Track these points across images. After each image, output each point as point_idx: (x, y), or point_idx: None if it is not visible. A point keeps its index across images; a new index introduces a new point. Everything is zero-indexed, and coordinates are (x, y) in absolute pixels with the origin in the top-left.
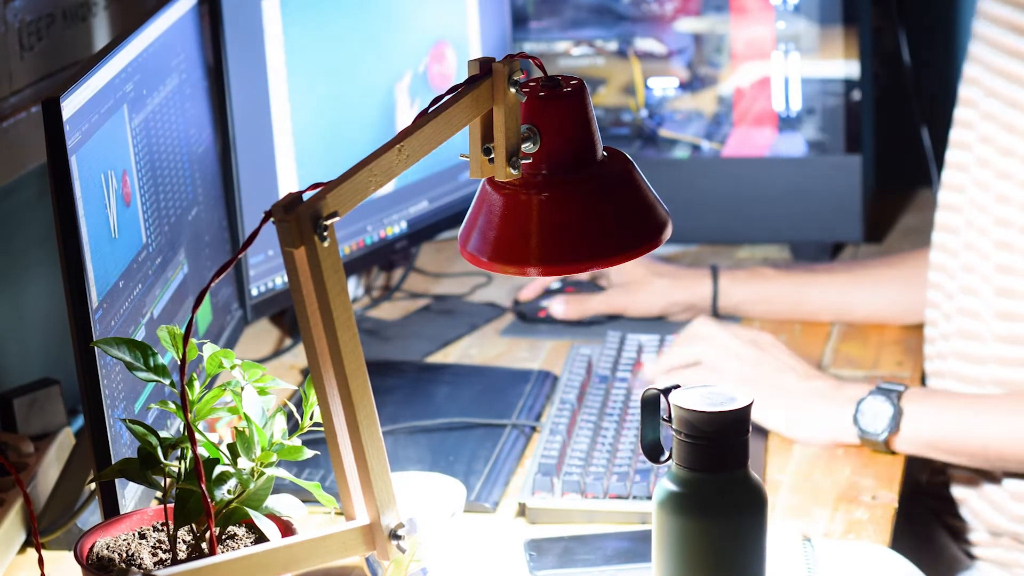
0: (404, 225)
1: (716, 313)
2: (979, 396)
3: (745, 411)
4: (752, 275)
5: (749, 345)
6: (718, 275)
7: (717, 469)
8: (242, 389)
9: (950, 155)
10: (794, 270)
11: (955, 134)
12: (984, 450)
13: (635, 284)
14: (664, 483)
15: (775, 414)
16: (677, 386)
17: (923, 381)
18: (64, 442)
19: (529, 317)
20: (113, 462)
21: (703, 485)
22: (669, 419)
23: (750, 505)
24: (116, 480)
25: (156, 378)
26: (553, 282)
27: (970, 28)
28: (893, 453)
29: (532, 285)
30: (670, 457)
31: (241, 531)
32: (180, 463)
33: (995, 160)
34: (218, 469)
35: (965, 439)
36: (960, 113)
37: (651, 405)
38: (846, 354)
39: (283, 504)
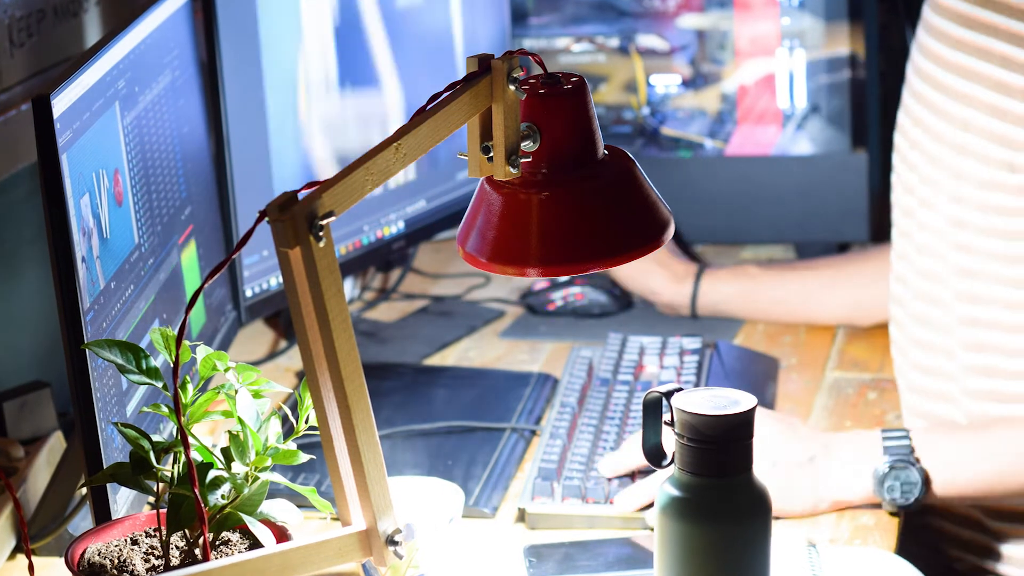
0: (401, 225)
1: (695, 314)
2: (983, 429)
3: (749, 414)
4: (734, 275)
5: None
6: (702, 276)
7: (721, 474)
8: (236, 392)
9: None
10: (776, 268)
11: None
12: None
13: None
14: (667, 488)
15: (801, 497)
16: (680, 389)
17: None
18: (55, 446)
19: (539, 310)
20: (105, 466)
21: (706, 490)
22: (671, 423)
23: (754, 510)
24: (108, 485)
25: (148, 381)
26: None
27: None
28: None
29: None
30: (672, 461)
31: (235, 537)
32: (173, 467)
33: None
34: (212, 474)
35: (994, 481)
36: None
37: (653, 409)
38: (852, 356)
39: (278, 509)
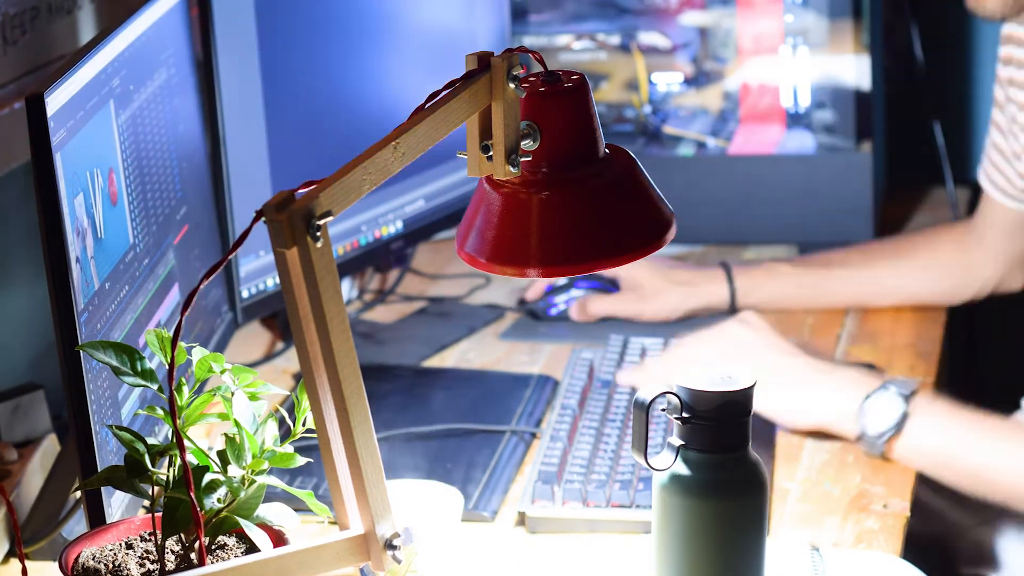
0: (400, 225)
1: (734, 311)
2: (985, 416)
3: (747, 391)
4: (769, 274)
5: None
6: (733, 276)
7: (719, 450)
8: (232, 394)
9: None
10: (810, 264)
11: None
12: (978, 474)
13: (650, 291)
14: None
15: (777, 397)
16: (664, 393)
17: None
18: (49, 449)
19: (541, 316)
20: (99, 469)
21: (705, 465)
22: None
23: (751, 485)
24: (102, 488)
25: (144, 383)
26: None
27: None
28: (886, 459)
29: (537, 284)
30: (668, 464)
31: (231, 541)
32: (168, 471)
33: None
34: (208, 477)
35: (964, 457)
36: None
37: (643, 409)
38: (857, 357)
39: (275, 513)
